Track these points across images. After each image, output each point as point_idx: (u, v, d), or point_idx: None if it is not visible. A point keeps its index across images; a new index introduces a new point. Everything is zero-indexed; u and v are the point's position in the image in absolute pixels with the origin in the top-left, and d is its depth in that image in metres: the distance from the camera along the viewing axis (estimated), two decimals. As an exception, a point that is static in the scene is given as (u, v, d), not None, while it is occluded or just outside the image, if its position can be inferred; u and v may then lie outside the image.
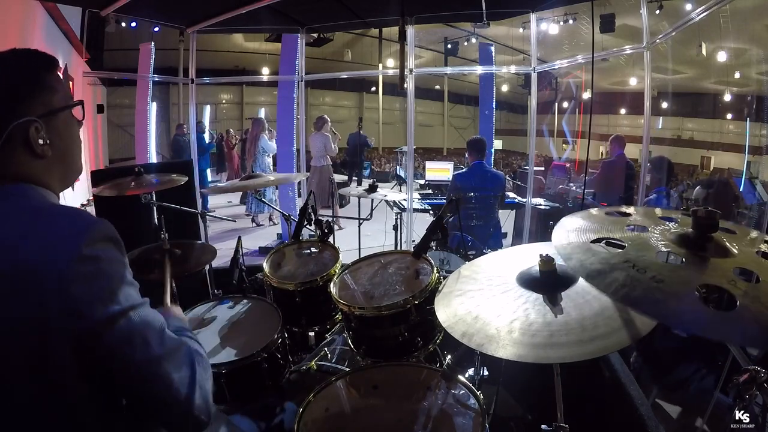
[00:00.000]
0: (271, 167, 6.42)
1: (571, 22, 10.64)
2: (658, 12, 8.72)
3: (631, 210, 1.03)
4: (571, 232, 0.95)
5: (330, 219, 2.14)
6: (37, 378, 0.69)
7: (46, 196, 0.80)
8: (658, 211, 1.01)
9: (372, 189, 2.74)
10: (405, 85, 3.91)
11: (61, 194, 0.88)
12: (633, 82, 13.84)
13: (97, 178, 2.65)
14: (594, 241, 0.89)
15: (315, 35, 11.93)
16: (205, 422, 0.79)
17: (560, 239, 0.93)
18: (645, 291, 0.74)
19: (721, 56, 10.40)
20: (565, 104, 15.79)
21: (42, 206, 0.77)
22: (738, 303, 0.70)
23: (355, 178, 10.75)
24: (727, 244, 0.83)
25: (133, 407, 0.79)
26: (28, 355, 0.68)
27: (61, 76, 0.85)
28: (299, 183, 5.55)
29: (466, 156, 3.96)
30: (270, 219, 6.58)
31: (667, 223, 0.93)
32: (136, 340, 0.73)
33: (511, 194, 4.83)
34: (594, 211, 1.04)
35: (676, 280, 0.75)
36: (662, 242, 0.85)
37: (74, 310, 0.68)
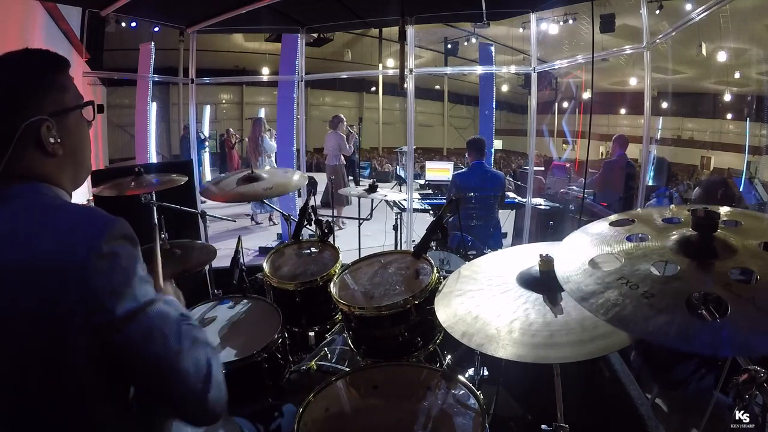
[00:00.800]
0: (274, 166, 6.45)
1: (571, 22, 10.64)
2: (658, 12, 8.72)
3: (634, 215, 1.03)
4: (572, 251, 0.94)
5: (330, 219, 2.15)
6: (52, 369, 0.70)
7: (59, 194, 0.81)
8: (660, 213, 1.01)
9: (372, 189, 2.74)
10: (405, 85, 3.91)
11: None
12: (633, 82, 13.84)
13: (97, 178, 2.65)
14: (594, 260, 0.89)
15: (315, 35, 11.92)
16: (219, 413, 0.80)
17: (562, 260, 0.93)
18: (635, 309, 0.74)
19: (721, 56, 10.40)
20: (565, 104, 15.78)
21: (56, 203, 0.78)
22: (729, 310, 0.70)
23: (351, 177, 10.73)
24: (730, 240, 0.83)
25: (149, 399, 0.80)
26: (44, 347, 0.69)
27: (72, 77, 0.86)
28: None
29: (467, 156, 3.97)
30: (270, 219, 6.58)
31: (671, 224, 0.93)
32: (156, 335, 0.74)
33: (511, 194, 4.83)
34: (597, 223, 1.03)
35: (668, 292, 0.75)
36: (660, 251, 0.85)
37: (94, 305, 0.69)
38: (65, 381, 0.70)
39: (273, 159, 6.27)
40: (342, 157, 6.21)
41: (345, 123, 6.34)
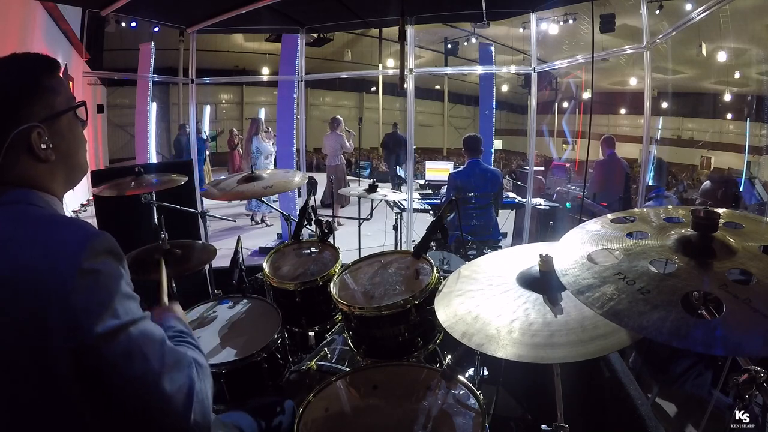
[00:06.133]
0: (271, 168, 6.45)
1: (571, 22, 10.66)
2: (658, 12, 8.73)
3: (635, 214, 1.03)
4: (572, 245, 0.95)
5: (330, 219, 2.15)
6: (44, 378, 0.69)
7: (49, 202, 0.80)
8: (662, 212, 1.01)
9: (372, 189, 2.74)
10: (405, 85, 3.91)
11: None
12: (633, 82, 13.85)
13: (97, 178, 2.65)
14: (592, 255, 0.89)
15: (315, 35, 11.93)
16: None
17: (561, 254, 0.93)
18: (630, 304, 0.75)
19: (721, 56, 10.42)
20: (565, 104, 15.79)
21: (43, 214, 0.76)
22: (724, 310, 0.70)
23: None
24: (730, 242, 0.83)
25: (131, 420, 0.78)
26: (30, 361, 0.68)
27: (62, 78, 0.84)
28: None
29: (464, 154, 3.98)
30: (263, 220, 6.53)
31: (671, 223, 0.93)
32: (135, 355, 0.72)
33: (511, 194, 4.83)
34: (599, 219, 1.04)
35: (664, 289, 0.76)
36: (659, 249, 0.85)
37: (73, 323, 0.68)
38: (58, 393, 0.70)
39: (270, 161, 6.25)
40: (342, 156, 6.27)
41: (344, 123, 6.44)
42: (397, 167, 9.68)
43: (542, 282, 1.07)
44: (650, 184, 4.13)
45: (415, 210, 4.57)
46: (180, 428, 0.75)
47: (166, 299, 1.15)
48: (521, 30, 11.72)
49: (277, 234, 5.74)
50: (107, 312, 0.70)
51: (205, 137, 8.70)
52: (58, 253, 0.69)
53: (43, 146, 0.78)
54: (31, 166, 0.78)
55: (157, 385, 0.73)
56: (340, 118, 6.40)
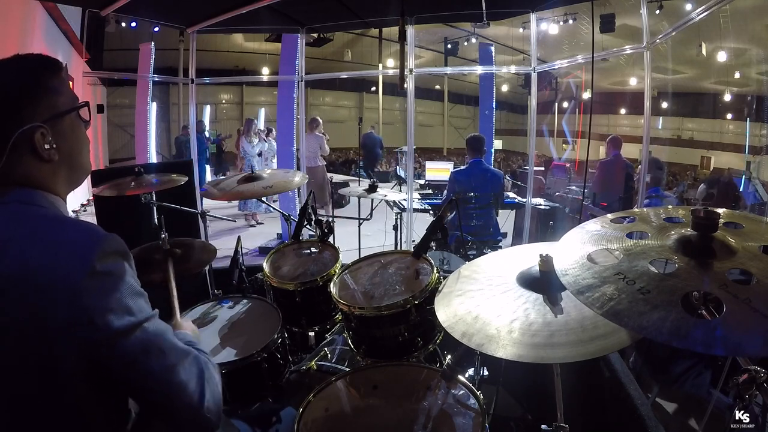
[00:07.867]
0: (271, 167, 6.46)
1: (571, 22, 10.66)
2: (658, 12, 8.74)
3: (635, 214, 1.03)
4: (572, 245, 0.95)
5: (330, 219, 2.15)
6: (47, 379, 0.69)
7: (54, 202, 0.80)
8: (662, 212, 1.01)
9: (372, 189, 2.74)
10: (405, 85, 3.91)
11: None
12: (633, 82, 13.86)
13: (97, 178, 2.65)
14: (592, 255, 0.90)
15: (315, 35, 11.94)
16: (216, 423, 0.80)
17: (561, 254, 0.93)
18: (630, 304, 0.75)
19: (721, 56, 10.43)
20: (565, 104, 15.79)
21: (46, 214, 0.77)
22: (724, 310, 0.70)
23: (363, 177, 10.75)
24: (730, 242, 0.83)
25: (146, 411, 0.80)
26: (38, 357, 0.68)
27: (65, 78, 0.85)
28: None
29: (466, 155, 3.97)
30: (253, 217, 6.52)
31: (671, 223, 0.93)
32: (153, 350, 0.74)
33: (511, 194, 4.83)
34: (599, 219, 1.04)
35: (664, 289, 0.76)
36: (659, 249, 0.85)
37: (88, 322, 0.69)
38: (60, 391, 0.70)
39: (265, 160, 6.23)
40: (322, 158, 6.26)
41: (321, 125, 6.46)
42: (397, 167, 9.75)
43: (542, 282, 1.07)
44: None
45: (415, 210, 4.57)
46: (195, 415, 0.77)
47: (178, 315, 1.16)
48: (521, 30, 11.72)
49: (277, 234, 5.74)
50: (122, 310, 0.72)
51: (211, 138, 8.73)
52: (64, 254, 0.70)
53: (47, 147, 0.78)
54: (35, 166, 0.78)
55: (174, 376, 0.75)
56: (319, 120, 6.39)
